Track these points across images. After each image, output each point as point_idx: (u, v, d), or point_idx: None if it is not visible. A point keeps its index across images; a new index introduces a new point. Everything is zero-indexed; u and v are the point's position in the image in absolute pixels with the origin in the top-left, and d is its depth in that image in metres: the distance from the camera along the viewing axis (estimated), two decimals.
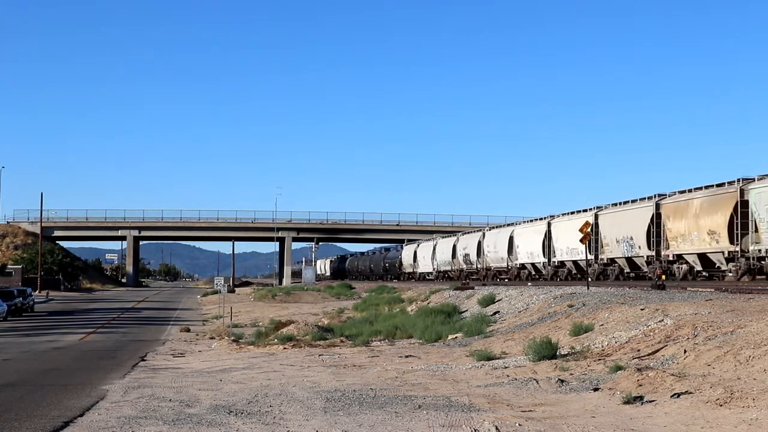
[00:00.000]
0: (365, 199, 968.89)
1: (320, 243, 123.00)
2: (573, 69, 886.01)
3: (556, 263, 53.32)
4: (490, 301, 35.59)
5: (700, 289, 28.11)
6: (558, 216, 54.91)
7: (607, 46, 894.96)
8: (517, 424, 11.95)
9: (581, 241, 36.79)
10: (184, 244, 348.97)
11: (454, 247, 75.18)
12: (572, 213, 52.81)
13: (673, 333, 17.99)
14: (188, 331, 37.44)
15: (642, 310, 21.57)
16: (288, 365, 21.38)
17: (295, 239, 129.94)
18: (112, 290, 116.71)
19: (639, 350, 17.66)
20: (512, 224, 64.27)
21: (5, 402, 15.88)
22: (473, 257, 69.30)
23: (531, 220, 60.76)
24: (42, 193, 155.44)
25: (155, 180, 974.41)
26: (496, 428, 11.76)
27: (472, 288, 45.08)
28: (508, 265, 61.75)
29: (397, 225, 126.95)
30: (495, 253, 64.24)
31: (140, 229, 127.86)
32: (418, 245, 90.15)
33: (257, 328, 36.57)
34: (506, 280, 59.42)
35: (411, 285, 69.13)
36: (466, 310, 36.16)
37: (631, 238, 44.11)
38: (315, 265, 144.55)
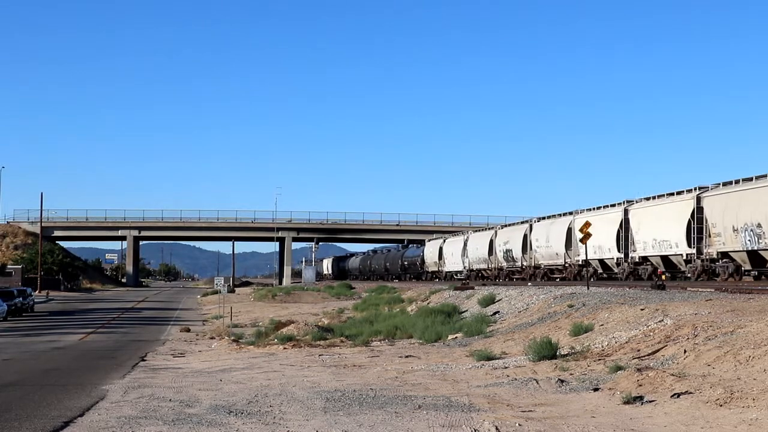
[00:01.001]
0: (365, 199, 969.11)
1: (320, 243, 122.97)
2: (573, 69, 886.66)
3: (637, 259, 44.93)
4: (490, 301, 35.61)
5: (700, 289, 28.12)
6: (639, 201, 45.49)
7: (608, 47, 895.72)
8: (517, 424, 11.96)
9: (581, 241, 36.71)
10: (184, 244, 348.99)
11: (492, 242, 66.85)
12: (661, 196, 44.12)
13: (673, 333, 17.99)
14: (188, 331, 37.45)
15: (642, 310, 21.58)
16: (288, 365, 21.38)
17: (295, 239, 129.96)
18: (112, 290, 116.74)
19: (639, 350, 17.66)
20: (571, 213, 53.57)
21: (5, 402, 15.88)
22: (516, 253, 60.41)
23: (597, 207, 50.11)
24: (42, 193, 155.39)
25: (155, 180, 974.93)
26: (496, 428, 11.76)
27: (472, 288, 45.10)
28: (565, 262, 52.51)
29: (397, 225, 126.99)
30: (547, 248, 55.09)
31: (140, 229, 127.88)
32: (445, 241, 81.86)
33: (257, 328, 36.58)
34: (557, 280, 52.25)
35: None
36: (466, 310, 36.17)
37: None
38: (322, 264, 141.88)
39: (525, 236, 60.03)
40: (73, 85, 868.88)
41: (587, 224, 35.16)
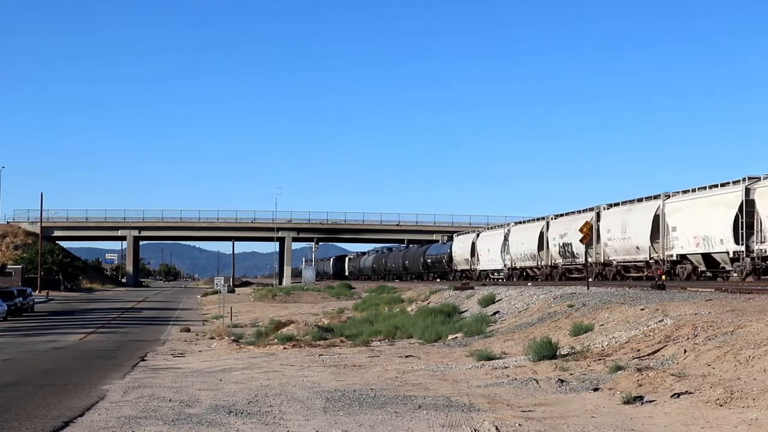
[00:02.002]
0: (365, 199, 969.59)
1: (320, 243, 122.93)
2: (573, 69, 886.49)
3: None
4: (490, 301, 35.60)
5: (700, 289, 28.11)
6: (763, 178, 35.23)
7: (608, 46, 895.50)
8: (517, 424, 11.95)
9: (581, 241, 36.64)
10: (184, 244, 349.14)
11: (542, 234, 56.44)
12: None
13: (673, 333, 17.98)
14: (188, 331, 37.44)
15: (642, 310, 21.57)
16: (288, 365, 21.38)
17: (295, 239, 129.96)
18: (112, 290, 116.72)
19: (639, 350, 17.66)
20: (657, 197, 43.31)
21: (5, 402, 15.88)
22: (578, 247, 47.83)
23: (700, 188, 39.75)
24: (42, 193, 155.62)
25: (155, 180, 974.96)
26: (496, 428, 11.76)
27: (472, 288, 45.10)
28: (649, 257, 42.72)
29: (397, 225, 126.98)
30: (623, 240, 45.18)
31: (140, 229, 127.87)
32: (478, 235, 71.93)
33: (257, 328, 36.58)
34: (631, 279, 44.58)
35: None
36: (466, 310, 36.17)
37: None
38: (329, 263, 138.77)
39: (590, 227, 51.06)
40: (74, 85, 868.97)
41: (587, 224, 35.04)
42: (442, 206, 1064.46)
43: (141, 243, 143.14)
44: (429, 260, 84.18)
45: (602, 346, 19.39)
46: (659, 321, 19.65)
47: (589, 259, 46.20)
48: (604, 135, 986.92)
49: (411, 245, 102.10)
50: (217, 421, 13.19)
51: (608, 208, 48.70)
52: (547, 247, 55.84)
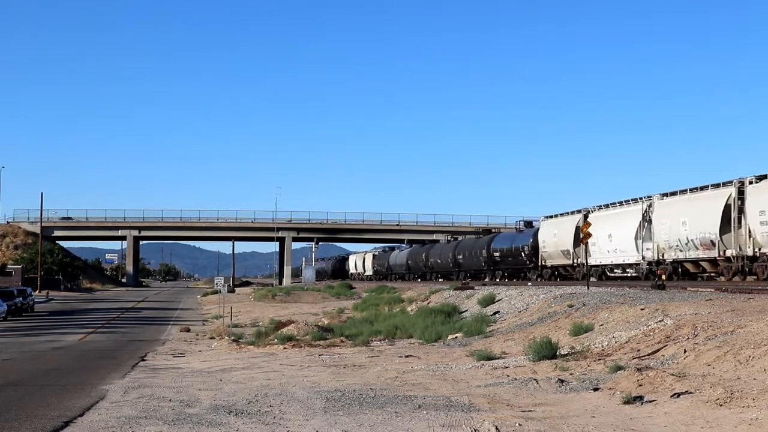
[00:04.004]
0: (365, 199, 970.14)
1: (320, 243, 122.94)
2: (573, 69, 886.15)
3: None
4: (490, 301, 35.59)
5: (700, 289, 28.10)
6: None
7: (610, 46, 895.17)
8: (517, 424, 11.95)
9: (581, 241, 36.64)
10: (184, 244, 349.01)
11: (728, 208, 36.22)
12: None
13: (673, 333, 17.98)
14: (188, 331, 37.45)
15: (642, 310, 21.57)
16: (288, 365, 21.38)
17: (295, 239, 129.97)
18: (112, 290, 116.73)
19: (639, 350, 17.66)
20: None
21: (5, 402, 15.88)
22: None
23: None
24: (42, 193, 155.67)
25: (155, 180, 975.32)
26: (496, 428, 11.75)
27: (472, 288, 45.09)
28: None
29: (397, 225, 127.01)
30: None
31: (140, 229, 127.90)
32: (586, 216, 49.23)
33: (257, 328, 36.59)
34: None
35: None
36: (466, 310, 36.17)
37: None
38: (347, 261, 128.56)
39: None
40: (74, 85, 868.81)
41: (587, 224, 35.08)
42: (442, 206, 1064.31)
43: (141, 243, 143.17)
44: (496, 254, 65.42)
45: (602, 346, 19.39)
46: (659, 321, 19.65)
47: (733, 252, 35.52)
48: (604, 135, 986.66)
49: (463, 238, 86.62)
50: (217, 421, 13.18)
51: None
52: (746, 227, 34.97)
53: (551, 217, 57.05)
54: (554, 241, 54.03)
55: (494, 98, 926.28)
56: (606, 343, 19.63)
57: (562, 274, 53.53)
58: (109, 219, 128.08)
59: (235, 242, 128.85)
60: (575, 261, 51.04)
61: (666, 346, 17.16)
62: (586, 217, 49.38)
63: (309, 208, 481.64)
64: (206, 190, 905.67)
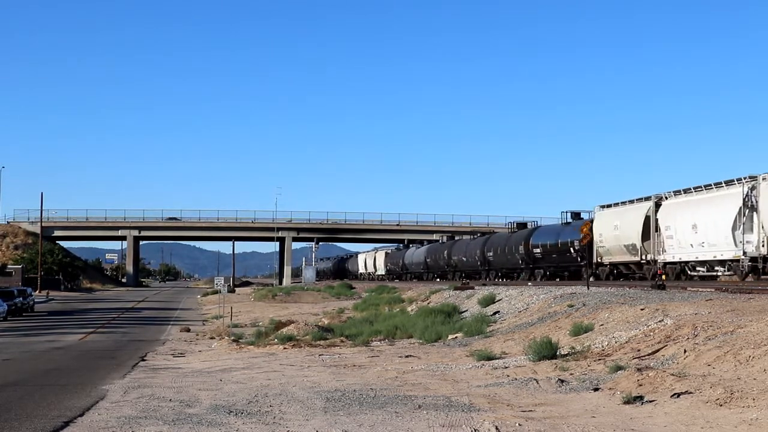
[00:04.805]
0: (365, 199, 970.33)
1: (320, 243, 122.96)
2: (573, 69, 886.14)
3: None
4: (490, 301, 35.58)
5: (700, 289, 28.10)
6: None
7: (610, 46, 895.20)
8: (517, 424, 11.95)
9: (581, 241, 36.59)
10: (184, 244, 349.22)
11: None
12: None
13: (673, 333, 17.98)
14: (188, 331, 37.46)
15: (642, 310, 21.57)
16: (288, 365, 21.38)
17: (295, 239, 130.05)
18: (112, 290, 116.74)
19: (639, 350, 17.66)
20: None
21: (5, 402, 15.88)
22: None
23: None
24: (42, 193, 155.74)
25: (155, 180, 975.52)
26: (496, 428, 11.75)
27: (472, 288, 45.07)
28: None
29: (397, 225, 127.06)
30: None
31: (140, 229, 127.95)
32: (658, 205, 41.57)
33: (257, 328, 36.59)
34: None
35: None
36: (466, 310, 36.16)
37: None
38: (358, 259, 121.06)
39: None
40: (74, 85, 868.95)
41: (587, 224, 34.99)
42: (442, 206, 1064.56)
43: (141, 243, 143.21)
44: (536, 250, 56.93)
45: (602, 346, 19.39)
46: (659, 321, 19.65)
47: None
48: (604, 134, 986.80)
49: (488, 233, 77.91)
50: (217, 421, 13.18)
51: None
52: None
53: (609, 206, 47.72)
54: (615, 234, 45.22)
55: (494, 98, 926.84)
56: (606, 343, 19.63)
57: (623, 273, 45.61)
58: (109, 219, 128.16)
59: (235, 242, 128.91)
60: (643, 257, 42.58)
61: (666, 346, 17.16)
62: (657, 205, 41.67)
63: (309, 208, 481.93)
64: (206, 190, 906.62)
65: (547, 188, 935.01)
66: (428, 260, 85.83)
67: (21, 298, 51.97)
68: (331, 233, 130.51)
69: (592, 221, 47.47)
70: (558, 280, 52.62)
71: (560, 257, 53.41)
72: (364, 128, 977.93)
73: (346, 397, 15.14)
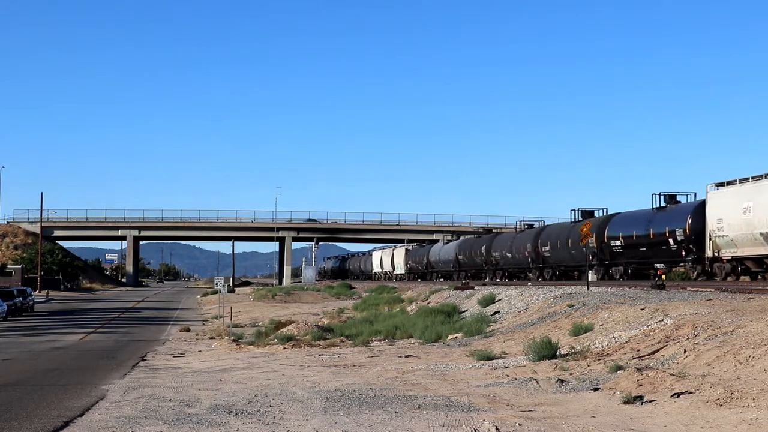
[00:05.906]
0: (365, 199, 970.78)
1: (320, 243, 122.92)
2: (573, 69, 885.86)
3: None
4: (490, 301, 35.57)
5: (700, 289, 28.09)
6: None
7: (609, 45, 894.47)
8: (517, 424, 11.95)
9: (581, 241, 36.61)
10: (184, 244, 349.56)
11: None
12: None
13: (673, 333, 17.98)
14: (188, 331, 37.45)
15: (642, 310, 21.57)
16: (288, 365, 21.38)
17: (295, 239, 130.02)
18: (112, 290, 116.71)
19: (639, 350, 17.66)
20: None
21: (5, 402, 15.87)
22: None
23: None
24: (42, 193, 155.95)
25: (155, 180, 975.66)
26: (496, 428, 11.75)
27: (472, 288, 45.06)
28: None
29: (397, 225, 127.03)
30: None
31: (140, 229, 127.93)
32: (741, 186, 34.94)
33: (257, 328, 36.59)
34: None
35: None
36: (466, 310, 36.15)
37: None
38: (372, 258, 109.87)
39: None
40: (74, 84, 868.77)
41: (587, 224, 35.05)
42: (442, 206, 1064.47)
43: (141, 243, 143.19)
44: (615, 243, 46.22)
45: (602, 346, 19.38)
46: (659, 321, 19.65)
47: None
48: (604, 134, 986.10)
49: (529, 223, 67.42)
50: (217, 421, 13.18)
51: None
52: None
53: (731, 183, 36.09)
54: (744, 219, 34.17)
55: (494, 98, 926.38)
56: (606, 343, 19.62)
57: (754, 272, 35.16)
58: (109, 219, 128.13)
59: (235, 242, 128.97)
60: (737, 252, 34.91)
61: (666, 346, 17.16)
62: (742, 193, 34.26)
63: (309, 208, 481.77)
64: (206, 190, 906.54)
65: (548, 188, 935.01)
66: (460, 257, 74.82)
67: (21, 298, 51.96)
68: (330, 233, 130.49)
69: (703, 203, 37.92)
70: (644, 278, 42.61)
71: (653, 251, 42.75)
72: (363, 127, 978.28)
73: (345, 397, 15.14)
